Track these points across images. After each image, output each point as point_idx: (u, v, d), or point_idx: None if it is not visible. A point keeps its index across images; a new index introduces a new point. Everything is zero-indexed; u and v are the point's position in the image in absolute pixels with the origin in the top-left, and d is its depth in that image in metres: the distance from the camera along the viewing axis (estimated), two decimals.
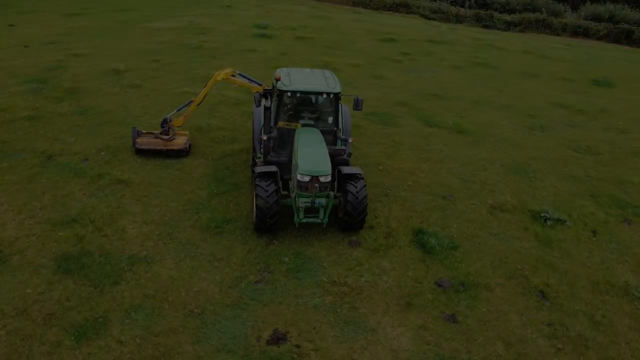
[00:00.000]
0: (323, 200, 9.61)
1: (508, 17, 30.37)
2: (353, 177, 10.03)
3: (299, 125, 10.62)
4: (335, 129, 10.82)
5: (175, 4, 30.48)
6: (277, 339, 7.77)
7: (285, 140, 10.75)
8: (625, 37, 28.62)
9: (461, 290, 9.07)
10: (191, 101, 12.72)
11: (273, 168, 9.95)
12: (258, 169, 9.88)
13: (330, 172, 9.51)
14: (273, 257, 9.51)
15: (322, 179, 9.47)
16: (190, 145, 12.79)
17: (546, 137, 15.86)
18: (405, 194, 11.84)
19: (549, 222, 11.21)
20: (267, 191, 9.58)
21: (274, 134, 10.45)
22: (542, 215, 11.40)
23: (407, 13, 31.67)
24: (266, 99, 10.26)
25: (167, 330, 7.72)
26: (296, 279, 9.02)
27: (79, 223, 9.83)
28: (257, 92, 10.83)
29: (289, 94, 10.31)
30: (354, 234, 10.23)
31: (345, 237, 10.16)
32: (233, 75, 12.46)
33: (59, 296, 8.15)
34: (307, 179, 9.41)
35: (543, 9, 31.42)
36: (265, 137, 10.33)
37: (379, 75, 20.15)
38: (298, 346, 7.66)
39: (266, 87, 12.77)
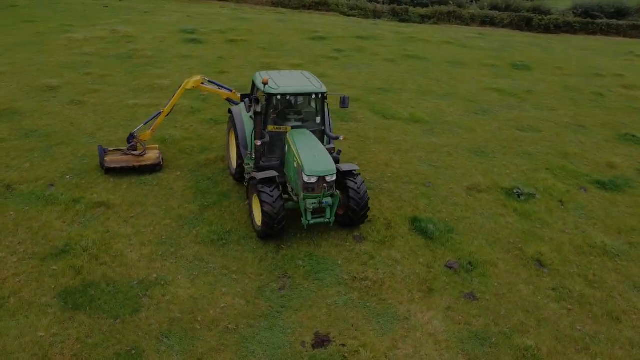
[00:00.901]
0: (330, 200, 9.67)
1: (422, 11, 32.05)
2: (351, 173, 10.18)
3: (289, 128, 10.55)
4: (323, 128, 10.90)
5: (86, 13, 28.48)
6: (322, 341, 7.74)
7: (274, 145, 10.63)
8: (526, 24, 31.40)
9: (470, 269, 9.60)
10: (159, 113, 12.13)
11: (273, 173, 9.83)
12: (259, 176, 9.70)
13: (335, 170, 9.59)
14: (287, 262, 9.41)
15: (328, 179, 9.53)
16: (162, 159, 12.19)
17: (491, 120, 17.05)
18: (388, 186, 12.22)
19: (522, 197, 12.15)
20: (272, 197, 9.45)
21: (267, 139, 10.31)
22: (514, 191, 12.31)
23: (326, 11, 32.23)
24: (257, 103, 10.06)
25: (208, 351, 7.39)
26: (317, 280, 9.01)
27: (70, 254, 9.04)
28: (248, 97, 10.57)
29: (278, 96, 10.21)
30: (355, 229, 10.41)
31: (349, 233, 10.30)
32: (202, 83, 12.10)
33: (78, 334, 7.47)
34: (314, 180, 9.41)
35: (450, 1, 33.53)
36: (259, 143, 10.15)
37: (322, 73, 20.34)
38: (344, 345, 7.70)
39: (239, 93, 12.53)
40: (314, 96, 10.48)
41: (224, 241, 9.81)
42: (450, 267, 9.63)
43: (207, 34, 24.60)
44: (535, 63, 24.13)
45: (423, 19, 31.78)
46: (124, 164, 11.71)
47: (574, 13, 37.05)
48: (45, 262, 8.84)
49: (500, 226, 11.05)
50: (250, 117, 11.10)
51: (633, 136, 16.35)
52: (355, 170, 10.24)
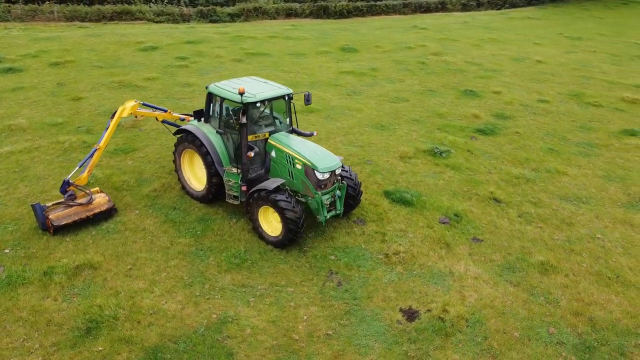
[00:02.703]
0: (339, 191, 10.00)
1: (229, 10, 32.30)
2: None
3: (267, 134, 10.39)
4: (292, 128, 11.00)
5: None
6: (411, 314, 8.29)
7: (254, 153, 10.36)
8: (324, 12, 34.45)
9: (458, 219, 11.10)
10: (95, 150, 10.49)
11: (280, 180, 9.69)
12: (270, 186, 9.45)
13: (341, 163, 9.94)
14: (320, 260, 9.51)
15: (337, 172, 9.86)
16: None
17: (365, 98, 18.86)
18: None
19: (443, 154, 14.19)
20: (291, 202, 9.39)
21: (257, 149, 10.01)
22: (435, 151, 14.28)
23: (132, 20, 29.95)
24: (244, 115, 9.62)
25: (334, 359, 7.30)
26: (360, 267, 9.39)
27: (103, 329, 7.57)
28: (238, 108, 9.91)
29: (258, 104, 9.95)
30: (351, 215, 10.93)
31: (347, 220, 10.78)
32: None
33: None
34: (327, 175, 9.64)
35: None
36: (252, 154, 9.82)
37: (185, 82, 19.50)
38: (429, 310, 8.39)
39: (176, 113, 11.61)
40: (286, 98, 10.51)
41: (249, 262, 9.35)
42: (444, 223, 10.98)
43: (20, 61, 20.85)
44: (357, 45, 26.98)
45: (232, 18, 32.15)
46: (75, 218, 9.87)
47: None
48: (79, 347, 7.25)
49: (447, 181, 12.84)
50: (218, 131, 10.53)
51: (471, 91, 20.07)
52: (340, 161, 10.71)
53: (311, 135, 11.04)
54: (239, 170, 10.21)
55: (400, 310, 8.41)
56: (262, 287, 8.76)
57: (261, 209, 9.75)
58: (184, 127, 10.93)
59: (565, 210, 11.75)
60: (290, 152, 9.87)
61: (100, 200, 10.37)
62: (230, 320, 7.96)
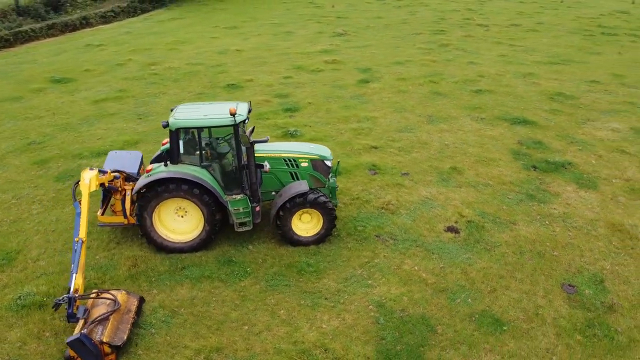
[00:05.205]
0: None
1: None
2: None
3: None
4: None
5: None
6: (452, 229, 10.71)
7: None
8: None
9: (378, 168, 13.60)
10: (80, 245, 8.00)
11: (304, 182, 10.08)
12: (302, 189, 9.72)
13: None
14: (357, 234, 10.60)
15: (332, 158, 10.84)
16: None
17: (159, 117, 18.11)
18: None
19: (298, 133, 16.01)
20: (324, 195, 10.02)
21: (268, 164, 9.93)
22: (289, 133, 15.94)
23: None
24: (252, 133, 9.17)
25: (477, 268, 9.12)
26: (385, 224, 10.96)
27: None
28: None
29: (246, 120, 9.68)
30: None
31: None
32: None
33: None
34: (332, 161, 10.56)
35: None
36: (267, 169, 9.65)
37: None
38: (456, 221, 10.95)
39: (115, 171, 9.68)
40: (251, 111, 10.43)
41: (321, 263, 9.66)
42: (374, 174, 13.32)
43: None
44: (64, 74, 23.70)
45: None
46: (127, 326, 7.62)
47: None
48: None
49: (330, 149, 14.82)
50: (203, 166, 9.63)
51: (232, 84, 21.63)
52: None
53: (266, 140, 11.24)
54: (244, 194, 9.81)
55: (444, 231, 10.68)
56: (360, 271, 9.41)
57: (295, 216, 9.88)
58: (154, 178, 9.33)
59: (411, 138, 15.75)
60: (290, 155, 10.30)
61: (122, 297, 8.15)
62: (383, 302, 8.59)
